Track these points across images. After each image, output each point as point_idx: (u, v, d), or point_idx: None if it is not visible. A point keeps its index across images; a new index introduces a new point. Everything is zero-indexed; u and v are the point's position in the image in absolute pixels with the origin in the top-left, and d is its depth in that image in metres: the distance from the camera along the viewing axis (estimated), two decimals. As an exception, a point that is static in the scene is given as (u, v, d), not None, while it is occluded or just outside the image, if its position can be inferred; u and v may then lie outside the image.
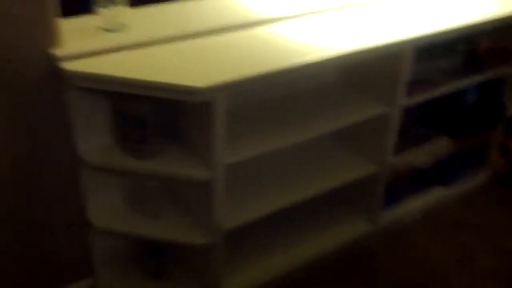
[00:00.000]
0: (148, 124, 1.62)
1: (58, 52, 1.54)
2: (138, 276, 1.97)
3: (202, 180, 1.67)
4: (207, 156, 1.65)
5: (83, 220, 1.82)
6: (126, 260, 2.02)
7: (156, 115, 1.64)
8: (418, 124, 2.25)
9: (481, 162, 2.59)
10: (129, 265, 2.01)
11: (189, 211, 1.85)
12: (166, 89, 1.49)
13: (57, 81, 1.58)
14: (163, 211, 1.84)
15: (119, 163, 1.68)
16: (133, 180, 1.85)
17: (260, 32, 1.86)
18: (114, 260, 1.99)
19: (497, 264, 2.20)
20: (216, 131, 1.58)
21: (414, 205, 2.39)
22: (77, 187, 1.77)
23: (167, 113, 1.69)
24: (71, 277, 1.92)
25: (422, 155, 2.31)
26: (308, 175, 2.06)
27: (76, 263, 1.91)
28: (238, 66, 1.60)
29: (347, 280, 2.09)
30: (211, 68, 1.59)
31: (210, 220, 1.75)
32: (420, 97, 2.08)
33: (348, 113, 1.98)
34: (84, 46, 1.60)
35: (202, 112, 1.59)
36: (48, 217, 1.76)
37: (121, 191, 1.89)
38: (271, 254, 2.10)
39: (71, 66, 1.52)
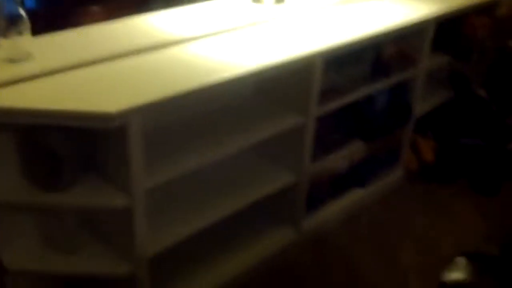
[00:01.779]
0: (59, 155, 1.54)
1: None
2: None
3: (121, 208, 1.61)
4: (124, 183, 1.59)
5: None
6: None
7: (68, 145, 1.56)
8: (333, 130, 2.30)
9: (394, 161, 2.70)
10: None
11: (109, 241, 1.78)
12: (76, 117, 1.43)
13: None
14: (82, 245, 1.76)
15: (30, 199, 1.58)
16: (48, 215, 1.75)
17: (173, 52, 1.83)
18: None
19: (419, 260, 2.29)
20: (132, 156, 1.53)
21: (335, 209, 2.45)
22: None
23: (80, 142, 1.62)
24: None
25: (339, 160, 2.37)
26: (230, 191, 2.05)
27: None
28: (152, 88, 1.57)
29: (276, 291, 2.11)
30: (124, 92, 1.54)
31: (131, 248, 1.69)
32: (332, 106, 2.13)
33: (265, 126, 2.00)
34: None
35: (117, 137, 1.53)
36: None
37: (37, 228, 1.78)
38: (199, 272, 2.06)
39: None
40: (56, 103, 1.45)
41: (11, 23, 1.58)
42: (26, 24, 1.60)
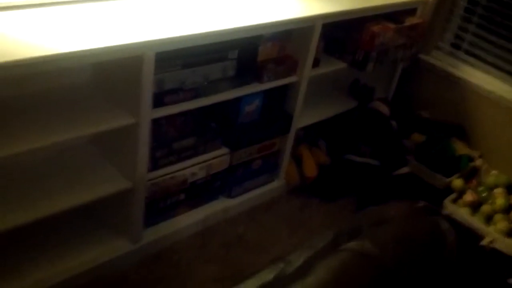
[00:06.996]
0: None
1: None
2: None
3: None
4: None
5: None
6: None
7: None
8: (187, 134, 2.01)
9: (273, 172, 2.43)
10: None
11: None
12: None
13: None
14: None
15: None
16: None
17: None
18: None
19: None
20: None
21: (189, 221, 2.18)
22: None
23: None
24: None
25: (196, 168, 2.08)
26: (55, 188, 1.78)
27: None
28: None
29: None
30: None
31: None
32: (177, 109, 1.84)
33: (92, 121, 1.72)
34: None
35: None
36: None
37: None
38: (18, 276, 1.79)
39: None
40: None
41: None
42: None
